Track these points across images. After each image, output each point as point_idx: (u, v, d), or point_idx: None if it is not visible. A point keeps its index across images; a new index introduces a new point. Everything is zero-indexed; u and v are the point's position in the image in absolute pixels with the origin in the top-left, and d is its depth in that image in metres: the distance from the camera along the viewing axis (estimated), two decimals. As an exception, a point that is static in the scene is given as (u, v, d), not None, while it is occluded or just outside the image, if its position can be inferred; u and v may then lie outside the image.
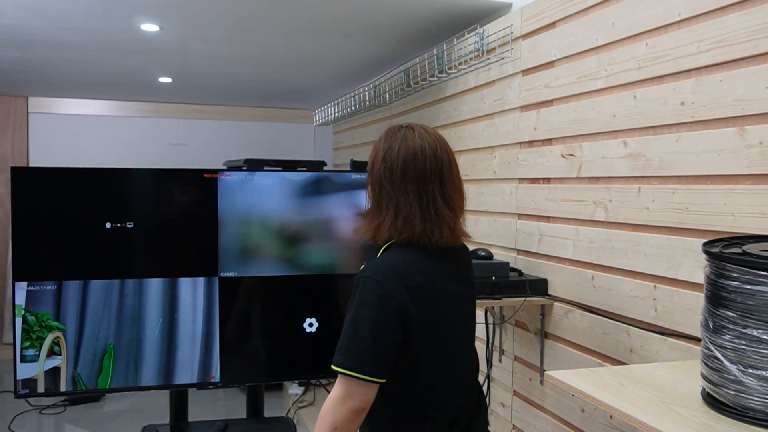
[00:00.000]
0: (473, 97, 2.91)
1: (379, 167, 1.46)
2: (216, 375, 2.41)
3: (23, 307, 2.26)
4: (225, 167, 2.78)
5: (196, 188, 2.39)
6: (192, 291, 2.38)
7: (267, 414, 2.81)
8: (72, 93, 5.49)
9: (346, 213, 2.43)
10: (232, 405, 4.19)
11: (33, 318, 2.26)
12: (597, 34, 2.04)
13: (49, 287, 2.27)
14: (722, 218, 1.58)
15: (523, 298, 2.25)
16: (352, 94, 4.61)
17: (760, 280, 1.00)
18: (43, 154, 5.65)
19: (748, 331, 1.02)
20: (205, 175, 2.39)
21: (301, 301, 2.48)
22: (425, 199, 1.43)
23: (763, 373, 1.00)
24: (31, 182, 2.28)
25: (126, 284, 2.33)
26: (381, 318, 1.36)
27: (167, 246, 2.39)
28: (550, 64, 2.30)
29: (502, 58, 2.61)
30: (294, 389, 4.19)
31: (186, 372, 2.38)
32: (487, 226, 2.78)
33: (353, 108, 4.60)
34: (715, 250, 1.11)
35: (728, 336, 1.05)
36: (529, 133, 2.44)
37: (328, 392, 4.18)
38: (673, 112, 1.74)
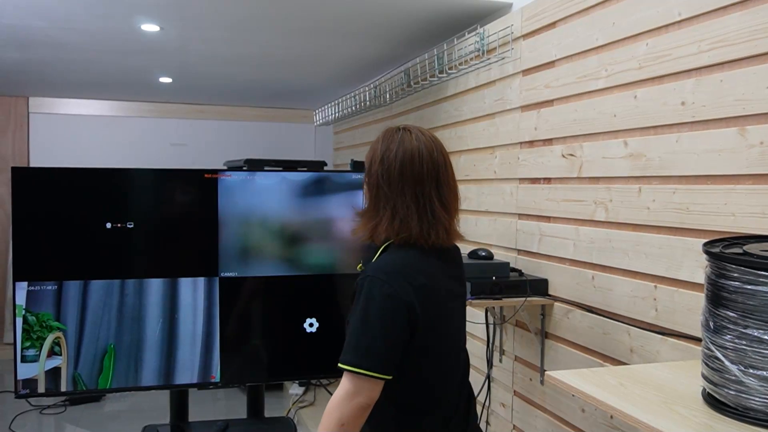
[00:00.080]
0: (474, 97, 2.91)
1: (377, 169, 1.48)
2: (216, 375, 2.41)
3: (24, 307, 2.26)
4: (225, 167, 2.78)
5: (197, 188, 2.39)
6: (192, 291, 2.38)
7: (267, 414, 2.81)
8: (72, 93, 5.49)
9: (347, 213, 2.42)
10: (232, 405, 4.19)
11: (33, 318, 2.26)
12: (597, 34, 2.04)
13: (49, 287, 2.27)
14: (723, 218, 1.58)
15: (524, 298, 2.25)
16: (352, 94, 4.61)
17: (761, 280, 1.00)
18: (44, 154, 5.65)
19: (748, 331, 1.02)
20: (206, 175, 2.39)
21: (301, 301, 2.48)
22: (422, 201, 1.45)
23: (764, 373, 1.00)
24: (31, 182, 2.28)
25: (126, 284, 2.33)
26: (389, 316, 1.38)
27: (167, 246, 2.39)
28: (550, 64, 2.30)
29: (503, 58, 2.61)
30: (294, 389, 4.19)
31: (186, 372, 2.38)
32: (488, 226, 2.78)
33: (354, 108, 4.60)
34: (716, 250, 1.11)
35: (729, 336, 1.05)
36: (529, 133, 2.44)
37: (329, 392, 4.19)
38: (674, 112, 1.73)
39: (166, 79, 4.69)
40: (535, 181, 2.41)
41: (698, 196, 1.66)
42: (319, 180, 2.50)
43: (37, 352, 2.27)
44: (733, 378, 1.04)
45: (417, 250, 1.46)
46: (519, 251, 2.52)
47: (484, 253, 2.42)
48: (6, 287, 5.51)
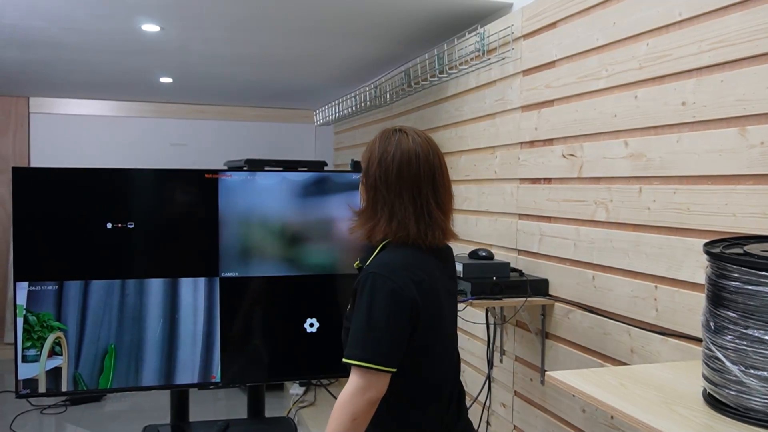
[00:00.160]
0: (474, 97, 2.91)
1: (375, 171, 1.50)
2: (217, 375, 2.41)
3: (24, 307, 2.26)
4: (226, 167, 2.78)
5: (197, 188, 2.39)
6: (193, 291, 2.38)
7: (268, 414, 2.81)
8: (73, 93, 5.50)
9: (347, 213, 2.43)
10: (232, 405, 4.19)
11: (34, 318, 2.26)
12: (598, 34, 2.04)
13: (50, 287, 2.28)
14: (723, 218, 1.58)
15: (524, 299, 2.25)
16: (352, 95, 4.61)
17: (762, 280, 1.00)
18: (44, 155, 5.65)
19: (749, 331, 1.01)
20: (206, 176, 2.39)
21: (301, 302, 2.48)
22: (419, 203, 1.49)
23: (764, 373, 1.00)
24: (32, 182, 2.28)
25: (127, 284, 2.33)
26: (394, 311, 1.40)
27: (168, 246, 2.39)
28: (550, 64, 2.30)
29: (503, 58, 2.61)
30: (295, 389, 4.19)
31: (187, 372, 2.38)
32: (488, 227, 2.78)
33: (354, 108, 4.60)
34: (716, 250, 1.11)
35: (729, 336, 1.05)
36: (530, 133, 2.44)
37: (329, 392, 4.19)
38: (675, 112, 1.73)
39: (166, 79, 4.69)
40: (535, 181, 2.41)
41: (699, 197, 1.65)
42: (319, 180, 2.50)
43: (38, 352, 2.27)
44: (734, 378, 1.04)
45: (415, 249, 1.49)
46: (519, 251, 2.52)
47: (484, 254, 2.41)
48: (7, 287, 5.51)
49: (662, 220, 1.78)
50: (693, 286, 1.67)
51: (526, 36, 2.46)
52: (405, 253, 1.48)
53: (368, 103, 4.28)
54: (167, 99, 5.82)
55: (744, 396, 1.03)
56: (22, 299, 2.25)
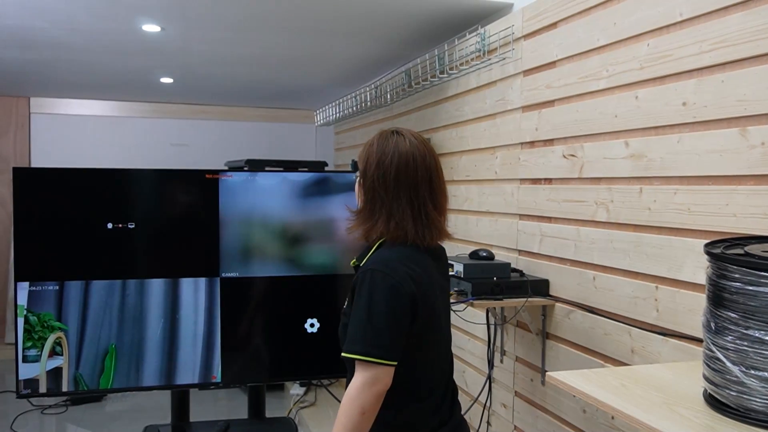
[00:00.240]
0: (475, 98, 2.91)
1: (373, 173, 1.53)
2: (217, 375, 2.41)
3: (25, 307, 2.26)
4: (226, 167, 2.78)
5: (198, 189, 2.39)
6: (193, 291, 2.38)
7: (268, 414, 2.81)
8: (74, 93, 5.50)
9: (347, 214, 2.43)
10: (233, 405, 4.19)
11: (35, 318, 2.26)
12: (598, 34, 2.04)
13: (50, 287, 2.28)
14: (724, 219, 1.58)
15: (525, 299, 2.25)
16: (353, 95, 4.61)
17: (762, 281, 1.00)
18: (45, 155, 5.65)
19: (750, 332, 1.01)
20: (207, 176, 2.39)
21: (302, 302, 2.48)
22: (416, 204, 1.52)
23: (765, 374, 1.00)
24: (32, 183, 2.28)
25: (128, 284, 2.33)
26: (394, 306, 1.43)
27: (169, 246, 2.39)
28: (551, 64, 2.30)
29: (504, 59, 2.61)
30: (295, 390, 4.19)
31: (187, 372, 2.38)
32: (489, 227, 2.78)
33: (354, 108, 4.60)
34: (717, 250, 1.11)
35: (730, 337, 1.05)
36: (530, 133, 2.44)
37: (330, 392, 4.19)
38: (675, 113, 1.73)
39: (167, 80, 4.69)
40: (536, 181, 2.41)
41: (699, 197, 1.65)
42: (320, 180, 2.50)
43: (39, 352, 2.27)
44: (735, 379, 1.04)
45: (411, 247, 1.52)
46: (520, 252, 2.52)
47: (485, 254, 2.41)
48: (7, 287, 5.51)
49: (663, 220, 1.78)
50: (694, 286, 1.67)
51: (526, 36, 2.46)
52: (402, 251, 1.51)
53: (369, 103, 4.28)
54: (168, 99, 5.83)
55: (745, 396, 1.03)
56: (22, 299, 2.25)
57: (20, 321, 2.26)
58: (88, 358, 2.31)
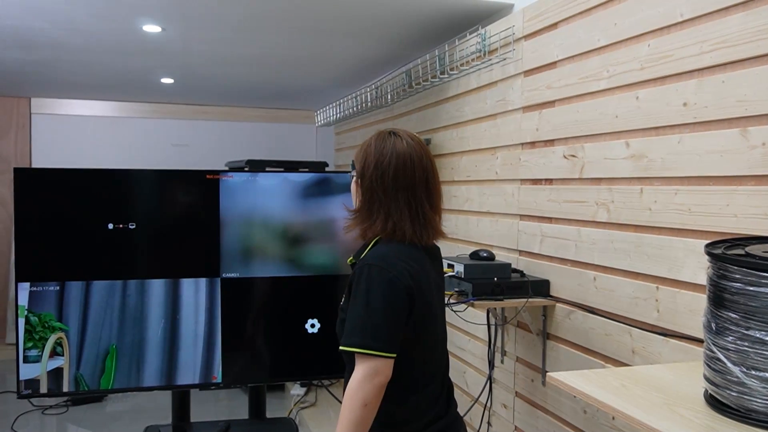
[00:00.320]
0: (475, 98, 2.91)
1: (371, 174, 1.55)
2: (218, 376, 2.41)
3: (26, 307, 2.26)
4: (227, 168, 2.79)
5: (199, 189, 2.40)
6: (194, 292, 2.38)
7: (269, 415, 2.81)
8: (74, 94, 5.50)
9: (347, 214, 2.43)
10: (234, 406, 4.19)
11: (36, 318, 2.27)
12: (599, 34, 2.04)
13: (51, 288, 2.28)
14: (725, 219, 1.58)
15: (525, 299, 2.25)
16: (353, 95, 4.61)
17: (763, 281, 1.00)
18: (46, 155, 5.66)
19: (750, 332, 1.01)
20: (208, 176, 2.39)
21: (302, 302, 2.48)
22: (414, 205, 1.55)
23: (766, 374, 1.00)
24: (33, 183, 2.28)
25: (128, 285, 2.33)
26: (391, 299, 1.45)
27: (169, 247, 2.39)
28: (552, 64, 2.30)
29: (504, 59, 2.61)
30: (296, 390, 4.19)
31: (188, 373, 2.38)
32: (489, 227, 2.78)
33: (355, 109, 4.60)
34: (718, 251, 1.11)
35: (731, 338, 1.04)
36: (531, 133, 2.44)
37: (330, 393, 4.18)
38: (676, 113, 1.73)
39: (167, 80, 4.69)
40: (536, 182, 2.41)
41: (700, 197, 1.65)
42: (320, 181, 2.50)
43: (40, 353, 2.27)
44: (735, 380, 1.04)
45: (408, 244, 1.55)
46: (520, 252, 2.52)
47: (485, 254, 2.41)
48: (8, 288, 5.52)
49: (663, 220, 1.78)
50: (694, 287, 1.67)
51: (527, 37, 2.46)
52: (399, 247, 1.53)
53: (369, 103, 4.28)
54: (168, 100, 5.83)
55: (745, 397, 1.03)
56: (23, 300, 2.26)
57: (21, 321, 2.26)
58: (88, 359, 2.31)
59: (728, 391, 1.06)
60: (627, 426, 1.87)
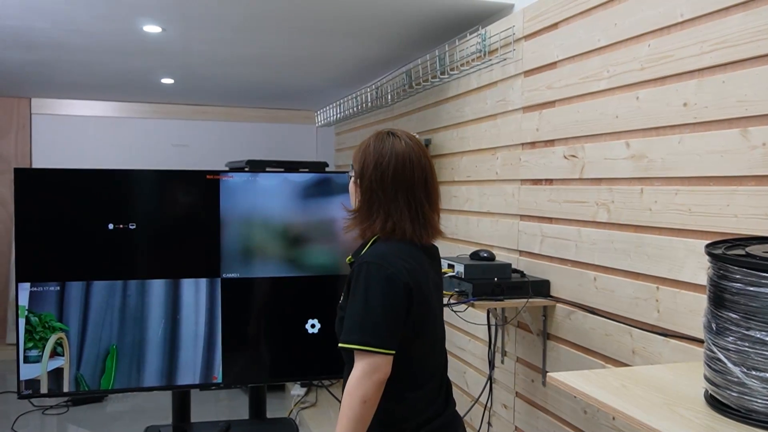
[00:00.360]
0: (475, 98, 2.91)
1: (371, 174, 1.56)
2: (218, 376, 2.41)
3: (26, 307, 2.26)
4: (227, 168, 2.79)
5: (199, 189, 2.40)
6: (194, 292, 2.38)
7: (269, 415, 2.81)
8: (75, 94, 5.50)
9: (346, 214, 2.43)
10: (234, 406, 4.19)
11: (36, 319, 2.27)
12: (599, 34, 2.04)
13: (52, 288, 2.28)
14: (725, 219, 1.58)
15: (526, 300, 2.25)
16: (354, 95, 4.61)
17: (763, 282, 1.00)
18: (46, 156, 5.66)
19: (751, 333, 1.01)
20: (208, 177, 2.40)
21: (303, 302, 2.48)
22: (413, 204, 1.56)
23: (766, 375, 1.00)
24: (34, 183, 2.28)
25: (129, 285, 2.33)
26: (391, 296, 1.45)
27: (170, 247, 2.39)
28: (552, 65, 2.30)
29: (505, 59, 2.61)
30: (296, 390, 4.19)
31: (188, 373, 2.38)
32: (490, 227, 2.78)
33: (355, 109, 4.60)
34: (718, 251, 1.11)
35: (731, 338, 1.04)
36: (531, 134, 2.44)
37: (331, 393, 4.19)
38: (676, 113, 1.73)
39: (168, 80, 4.69)
40: (537, 182, 2.41)
41: (700, 198, 1.65)
42: (320, 181, 2.50)
43: (40, 353, 2.27)
44: (736, 380, 1.04)
45: (407, 242, 1.56)
46: (521, 252, 2.52)
47: (485, 255, 2.41)
48: (9, 288, 5.52)
49: (664, 221, 1.78)
50: (694, 287, 1.67)
51: (527, 37, 2.46)
52: (398, 245, 1.54)
53: (369, 104, 4.28)
54: (169, 100, 5.83)
55: (746, 397, 1.03)
56: (24, 300, 2.26)
57: (21, 321, 2.26)
58: (89, 359, 2.31)
59: (728, 392, 1.06)
60: (627, 426, 1.87)
